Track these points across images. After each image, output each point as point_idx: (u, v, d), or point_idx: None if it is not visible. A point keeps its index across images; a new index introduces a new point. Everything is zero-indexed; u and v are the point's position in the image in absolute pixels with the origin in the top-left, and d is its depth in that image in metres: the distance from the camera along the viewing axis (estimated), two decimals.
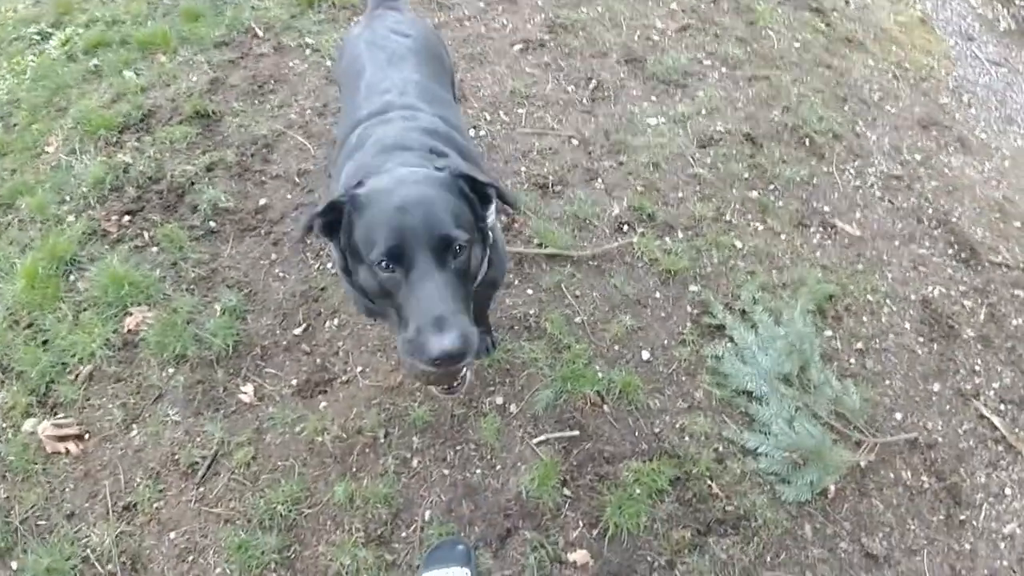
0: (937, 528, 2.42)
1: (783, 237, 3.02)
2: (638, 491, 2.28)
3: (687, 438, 2.44)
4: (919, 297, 2.97)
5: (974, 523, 2.45)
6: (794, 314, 2.69)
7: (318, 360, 2.56)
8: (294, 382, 2.51)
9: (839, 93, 3.81)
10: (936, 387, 2.73)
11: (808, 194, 3.22)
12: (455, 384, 1.74)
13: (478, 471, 2.33)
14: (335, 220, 1.50)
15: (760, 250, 2.94)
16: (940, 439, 2.60)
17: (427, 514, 2.25)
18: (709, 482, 2.35)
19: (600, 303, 2.70)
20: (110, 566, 2.18)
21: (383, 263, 1.39)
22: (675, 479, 2.34)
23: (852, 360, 2.74)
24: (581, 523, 2.26)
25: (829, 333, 2.77)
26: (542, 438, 2.39)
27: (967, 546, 2.41)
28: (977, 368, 2.81)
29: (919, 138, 3.71)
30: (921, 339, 2.85)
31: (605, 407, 2.47)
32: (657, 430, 2.45)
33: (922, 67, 4.29)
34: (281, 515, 2.23)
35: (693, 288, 2.79)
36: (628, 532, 2.23)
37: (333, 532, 2.22)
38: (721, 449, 2.43)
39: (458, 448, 2.36)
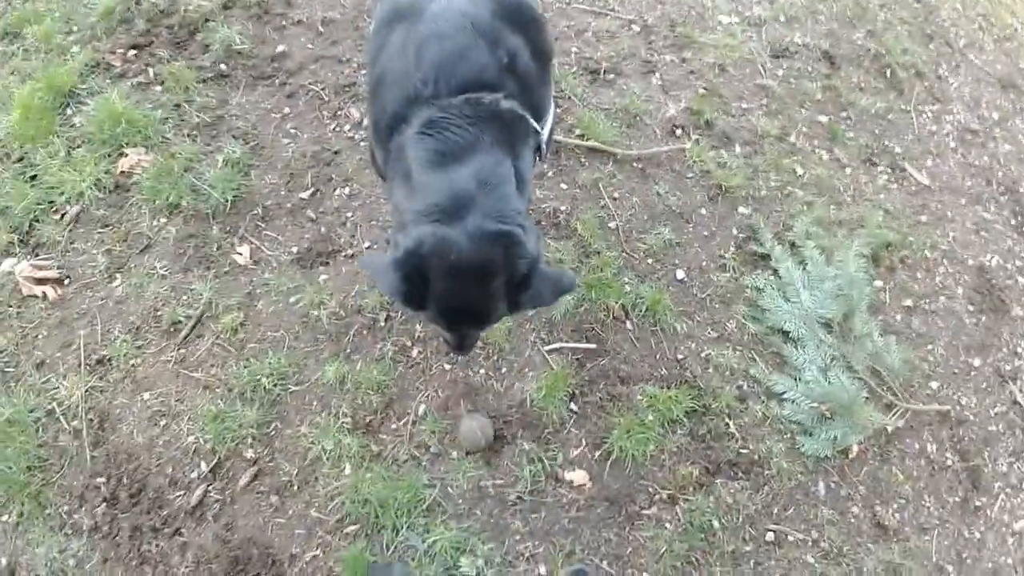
0: (951, 510, 2.30)
1: (848, 171, 2.73)
2: (650, 417, 2.10)
3: (711, 370, 2.24)
4: (976, 263, 2.74)
5: (988, 512, 2.33)
6: (847, 256, 2.45)
7: (323, 229, 2.33)
8: (295, 249, 2.29)
9: (926, 29, 3.43)
10: (977, 362, 2.55)
11: (881, 130, 2.91)
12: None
13: (482, 371, 2.14)
14: None
15: (822, 181, 2.66)
16: (971, 417, 2.45)
17: (421, 408, 2.08)
18: (727, 420, 2.18)
19: (639, 210, 2.44)
20: (75, 422, 2.04)
21: None
22: (691, 411, 2.16)
23: (898, 317, 2.52)
24: (584, 442, 2.09)
25: (879, 283, 2.53)
26: (555, 346, 2.19)
27: (977, 535, 2.29)
28: (1020, 350, 2.63)
29: (998, 96, 3.38)
30: (971, 308, 2.65)
31: (628, 323, 2.25)
32: (680, 356, 2.24)
33: (1006, 26, 3.90)
34: (265, 388, 2.06)
35: (743, 210, 2.52)
36: (633, 459, 2.07)
37: (318, 414, 2.06)
38: (745, 387, 2.25)
39: None
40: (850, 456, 2.23)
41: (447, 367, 2.13)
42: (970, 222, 2.83)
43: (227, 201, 2.33)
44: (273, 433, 2.04)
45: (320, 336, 2.15)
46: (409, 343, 2.15)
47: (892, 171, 2.82)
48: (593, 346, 2.20)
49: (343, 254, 2.29)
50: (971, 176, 2.97)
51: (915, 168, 2.86)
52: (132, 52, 2.67)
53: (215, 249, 2.28)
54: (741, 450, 2.16)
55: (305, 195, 2.38)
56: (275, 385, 2.07)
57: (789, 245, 2.48)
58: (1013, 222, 2.93)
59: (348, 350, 2.13)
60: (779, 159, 2.64)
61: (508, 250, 1.35)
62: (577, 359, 2.18)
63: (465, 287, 1.36)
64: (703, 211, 2.49)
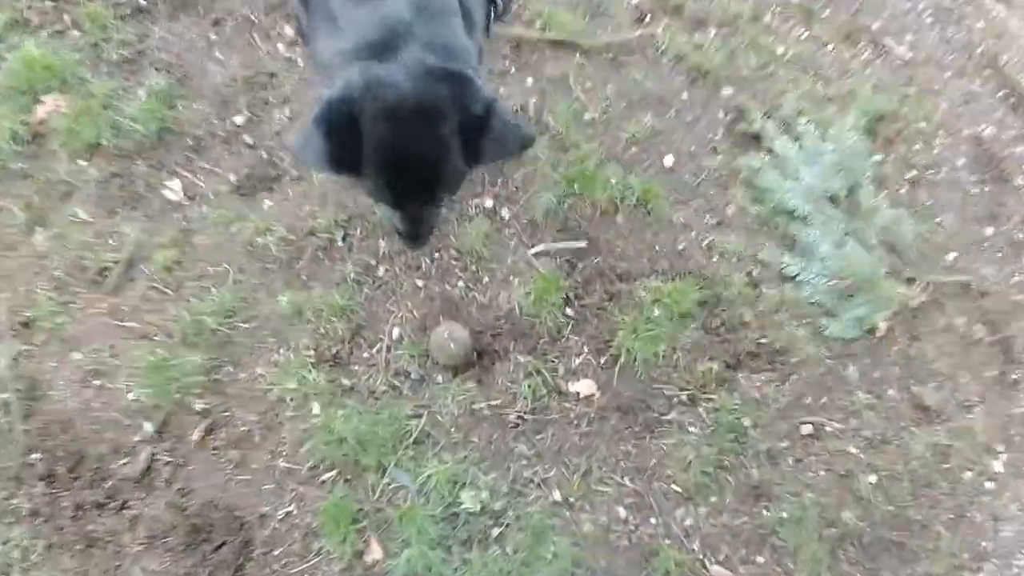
0: (990, 385, 2.14)
1: (829, 48, 2.54)
2: (657, 313, 1.86)
3: (716, 257, 2.02)
4: (972, 133, 2.60)
5: None
6: (842, 130, 2.25)
7: (263, 154, 2.05)
8: (232, 178, 2.01)
9: None
10: (989, 231, 2.41)
11: (857, 8, 2.73)
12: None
13: (460, 283, 1.88)
14: None
15: (804, 58, 2.46)
16: (993, 288, 2.29)
17: (395, 332, 1.81)
18: (741, 309, 1.95)
19: (615, 99, 2.20)
20: (5, 395, 1.74)
21: None
22: (701, 303, 1.93)
23: (903, 190, 2.35)
24: (586, 349, 1.85)
25: (879, 157, 2.33)
26: (541, 248, 1.93)
27: (1021, 410, 2.12)
28: None
29: None
30: (974, 178, 2.50)
31: (619, 217, 2.01)
32: (680, 246, 2.01)
33: None
34: (211, 330, 1.78)
35: (727, 91, 2.30)
36: (643, 361, 1.83)
37: (276, 351, 1.78)
38: (756, 273, 2.02)
39: (436, 256, 1.90)
40: (877, 335, 2.03)
41: (420, 283, 1.86)
42: (958, 94, 2.68)
43: (153, 134, 2.03)
44: (225, 379, 1.76)
45: (269, 265, 1.86)
46: (373, 261, 1.88)
47: (873, 47, 2.65)
48: (583, 244, 1.95)
49: (287, 177, 2.00)
50: (952, 51, 2.82)
51: (895, 43, 2.69)
52: (49, 3, 2.38)
53: (142, 187, 1.99)
54: (761, 340, 1.93)
55: (240, 121, 2.10)
56: (221, 324, 1.78)
57: (781, 123, 2.26)
58: (1000, 94, 2.78)
59: (304, 276, 1.85)
60: (757, 39, 2.43)
61: (457, 89, 1.09)
62: (567, 260, 1.94)
63: (408, 134, 1.10)
64: (684, 95, 2.26)
